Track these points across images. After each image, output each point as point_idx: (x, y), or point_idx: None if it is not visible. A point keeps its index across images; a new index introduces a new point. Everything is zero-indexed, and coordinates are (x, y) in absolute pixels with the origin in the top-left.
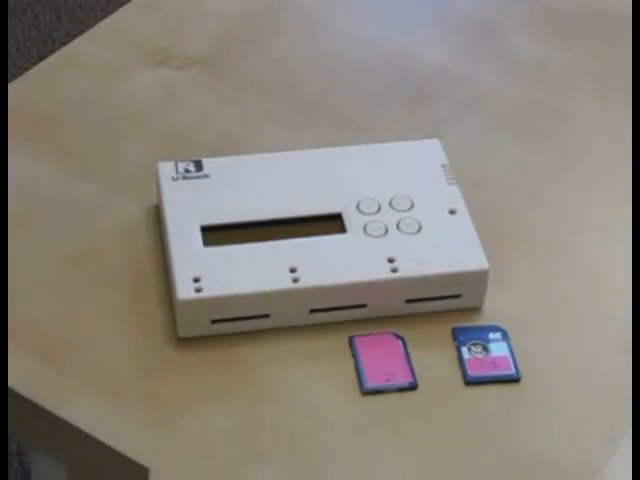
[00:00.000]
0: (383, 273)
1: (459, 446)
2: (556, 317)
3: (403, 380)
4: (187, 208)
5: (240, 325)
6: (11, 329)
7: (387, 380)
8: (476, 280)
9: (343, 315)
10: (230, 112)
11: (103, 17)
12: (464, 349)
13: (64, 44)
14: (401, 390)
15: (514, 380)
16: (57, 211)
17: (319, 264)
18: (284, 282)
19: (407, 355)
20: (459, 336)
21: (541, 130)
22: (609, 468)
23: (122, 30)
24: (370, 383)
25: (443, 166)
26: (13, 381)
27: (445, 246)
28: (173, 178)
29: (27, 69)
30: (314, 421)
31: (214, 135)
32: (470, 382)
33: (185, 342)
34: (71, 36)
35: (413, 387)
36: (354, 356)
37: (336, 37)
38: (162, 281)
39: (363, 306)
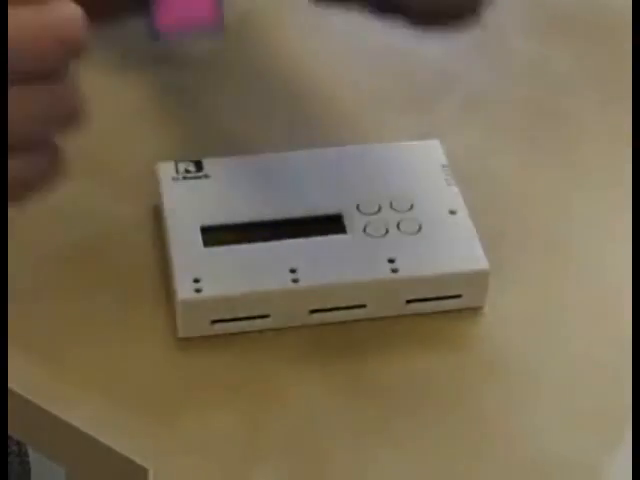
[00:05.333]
0: (383, 273)
1: (458, 447)
2: (557, 317)
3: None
4: (187, 208)
5: (240, 325)
6: (11, 329)
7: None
8: (476, 280)
9: (343, 315)
10: (230, 112)
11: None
12: None
13: None
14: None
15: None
16: (57, 211)
17: (319, 264)
18: (284, 282)
19: None
20: None
21: (541, 130)
22: (609, 468)
23: (122, 30)
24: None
25: (443, 167)
26: (13, 381)
27: (445, 246)
28: (173, 178)
29: None
30: (314, 421)
31: (214, 135)
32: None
33: (185, 342)
34: None
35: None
36: None
37: (336, 37)
38: (162, 281)
39: (363, 306)
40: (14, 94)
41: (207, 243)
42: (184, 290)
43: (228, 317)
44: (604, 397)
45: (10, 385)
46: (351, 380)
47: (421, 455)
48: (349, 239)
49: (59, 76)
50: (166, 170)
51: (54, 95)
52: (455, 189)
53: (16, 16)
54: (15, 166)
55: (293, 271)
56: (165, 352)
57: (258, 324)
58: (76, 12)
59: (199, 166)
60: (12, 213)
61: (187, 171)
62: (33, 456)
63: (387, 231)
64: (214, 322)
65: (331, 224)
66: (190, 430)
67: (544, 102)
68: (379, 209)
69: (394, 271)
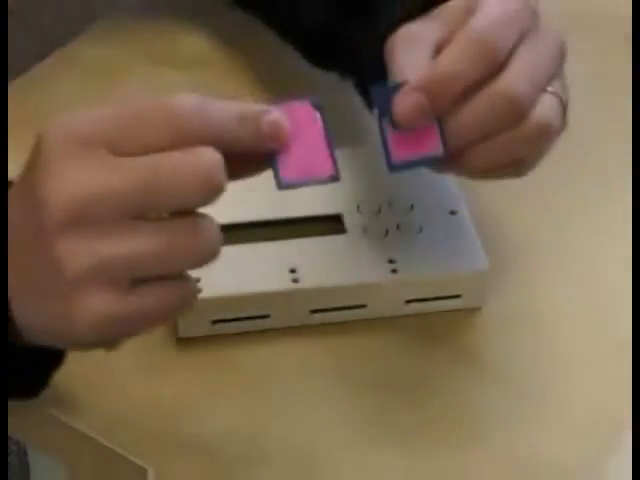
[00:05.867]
0: (383, 274)
1: (458, 447)
2: (556, 317)
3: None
4: None
5: (240, 325)
6: None
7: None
8: (476, 281)
9: (343, 315)
10: None
11: (103, 17)
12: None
13: (64, 44)
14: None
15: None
16: None
17: (319, 265)
18: (284, 283)
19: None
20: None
21: None
22: (609, 468)
23: (122, 29)
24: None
25: None
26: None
27: (445, 247)
28: None
29: (27, 69)
30: (314, 421)
31: None
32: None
33: (185, 342)
34: (71, 36)
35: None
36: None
37: None
38: None
39: (363, 306)
40: (155, 229)
41: None
42: None
43: (228, 317)
44: (604, 397)
45: None
46: (351, 380)
47: (420, 455)
48: (349, 239)
49: (198, 214)
50: None
51: (192, 232)
52: (455, 189)
53: (167, 157)
54: (148, 298)
55: (293, 271)
56: (165, 352)
57: (258, 324)
58: (219, 159)
59: None
60: None
61: None
62: (33, 456)
63: (387, 231)
64: (214, 322)
65: (331, 224)
66: (190, 430)
67: None
68: (379, 209)
69: (394, 271)
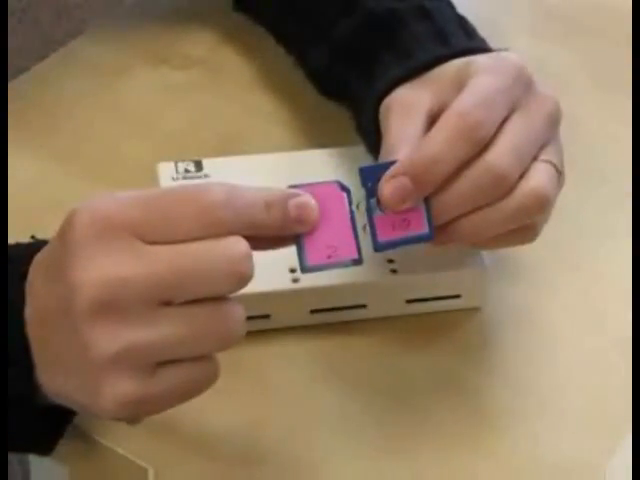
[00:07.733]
0: (383, 274)
1: (458, 446)
2: (556, 317)
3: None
4: None
5: None
6: None
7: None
8: (476, 280)
9: (343, 315)
10: (230, 112)
11: (103, 17)
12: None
13: (64, 44)
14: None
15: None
16: (57, 211)
17: None
18: (284, 283)
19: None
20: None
21: None
22: (609, 468)
23: (122, 30)
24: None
25: None
26: None
27: (445, 247)
28: (173, 178)
29: (27, 69)
30: (314, 422)
31: (214, 135)
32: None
33: None
34: (71, 36)
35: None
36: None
37: None
38: None
39: (363, 306)
40: (181, 315)
41: None
42: None
43: None
44: (604, 397)
45: None
46: (351, 380)
47: (421, 457)
48: None
49: (225, 299)
50: (166, 170)
51: (218, 317)
52: None
53: (195, 248)
54: (172, 380)
55: (293, 271)
56: None
57: (258, 324)
58: (246, 249)
59: (199, 166)
60: (12, 213)
61: (187, 171)
62: (33, 456)
63: None
64: None
65: None
66: (190, 430)
67: None
68: None
69: (394, 271)
